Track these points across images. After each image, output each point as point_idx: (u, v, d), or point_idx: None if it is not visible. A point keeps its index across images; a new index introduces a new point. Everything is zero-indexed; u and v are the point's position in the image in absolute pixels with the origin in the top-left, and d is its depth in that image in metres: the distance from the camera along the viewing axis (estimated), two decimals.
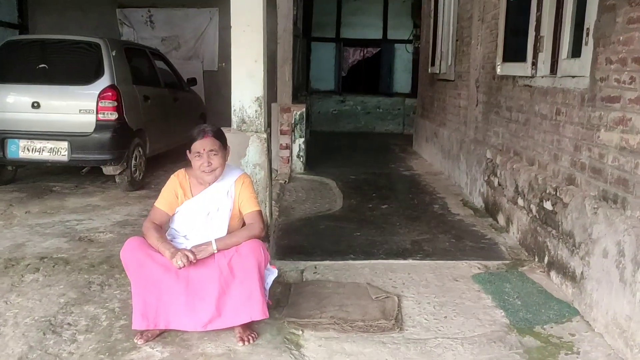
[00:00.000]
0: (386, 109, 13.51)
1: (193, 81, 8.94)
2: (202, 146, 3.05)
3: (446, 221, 5.31)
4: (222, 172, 3.14)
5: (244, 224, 3.22)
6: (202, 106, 9.76)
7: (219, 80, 11.42)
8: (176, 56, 11.35)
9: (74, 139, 6.21)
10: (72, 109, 6.22)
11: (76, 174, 7.22)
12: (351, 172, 8.05)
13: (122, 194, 6.52)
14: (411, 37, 13.31)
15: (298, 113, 7.73)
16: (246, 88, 3.94)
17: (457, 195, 6.39)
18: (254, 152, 3.96)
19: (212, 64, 11.45)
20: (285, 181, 7.14)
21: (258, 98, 3.95)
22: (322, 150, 10.26)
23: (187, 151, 3.13)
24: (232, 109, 3.98)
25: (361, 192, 6.71)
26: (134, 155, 6.64)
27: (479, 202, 5.75)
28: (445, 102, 8.06)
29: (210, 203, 3.13)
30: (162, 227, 3.16)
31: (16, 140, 6.22)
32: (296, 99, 9.74)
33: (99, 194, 6.48)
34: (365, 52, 13.88)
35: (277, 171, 7.73)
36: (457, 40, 7.34)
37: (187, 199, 3.15)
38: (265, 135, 3.97)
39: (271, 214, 4.24)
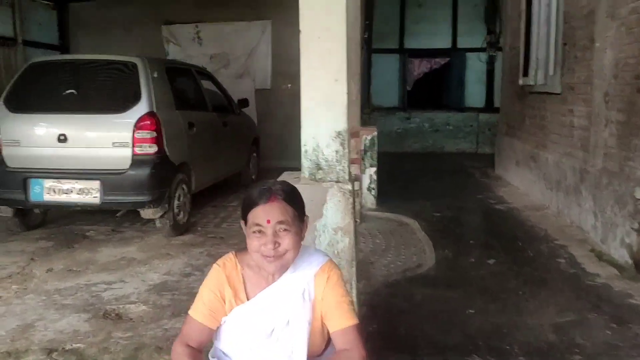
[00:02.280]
0: (457, 126, 12.12)
1: (244, 102, 7.89)
2: (267, 216, 1.85)
3: (586, 288, 3.93)
4: (294, 258, 1.94)
5: (328, 340, 2.02)
6: (254, 130, 8.70)
7: (272, 99, 10.40)
8: (226, 74, 10.38)
9: (107, 178, 5.19)
10: (105, 142, 5.22)
11: (115, 214, 6.23)
12: (432, 206, 6.75)
13: (164, 241, 5.47)
14: (485, 45, 11.91)
15: (369, 138, 6.50)
16: (322, 118, 2.76)
17: (581, 242, 4.98)
18: (335, 211, 2.75)
19: (264, 82, 10.41)
20: (357, 221, 5.90)
21: (340, 133, 2.76)
22: (390, 176, 8.98)
23: (242, 222, 1.96)
24: (303, 149, 2.80)
25: (453, 236, 5.41)
26: (177, 194, 5.58)
27: (622, 256, 4.33)
28: (545, 120, 6.66)
29: (276, 311, 1.93)
30: (202, 351, 1.98)
31: (40, 180, 5.27)
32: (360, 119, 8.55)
33: (136, 242, 5.45)
34: (432, 63, 12.56)
35: None
36: (564, 44, 5.96)
37: (240, 302, 1.96)
38: (349, 187, 2.76)
39: (358, 299, 3.01)
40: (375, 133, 6.53)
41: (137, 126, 5.17)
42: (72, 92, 5.40)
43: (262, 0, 10.15)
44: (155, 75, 5.55)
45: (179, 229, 5.64)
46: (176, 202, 5.57)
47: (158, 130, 5.26)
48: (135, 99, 5.27)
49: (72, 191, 5.25)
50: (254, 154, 8.50)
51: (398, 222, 6.01)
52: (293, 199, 1.92)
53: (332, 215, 2.74)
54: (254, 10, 10.20)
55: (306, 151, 2.78)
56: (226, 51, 10.39)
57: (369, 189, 6.59)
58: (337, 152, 2.75)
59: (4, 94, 5.49)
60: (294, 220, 1.88)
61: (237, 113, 7.82)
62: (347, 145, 2.77)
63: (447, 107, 12.38)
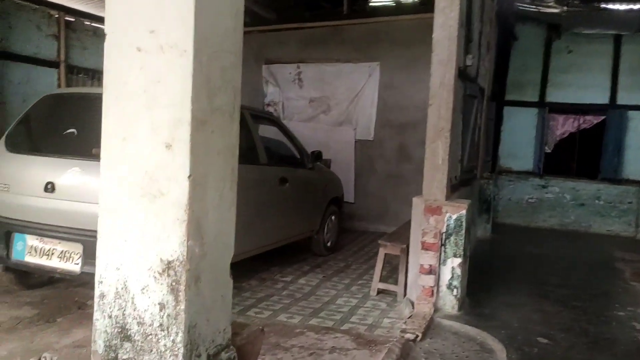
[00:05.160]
0: (610, 202, 9.56)
1: (318, 156, 6.51)
2: None
3: None
4: None
5: None
6: (336, 187, 7.24)
7: (374, 152, 8.97)
8: (325, 121, 9.21)
9: (90, 241, 4.08)
10: (92, 196, 4.13)
11: None
12: (542, 321, 4.75)
13: None
14: None
15: (454, 217, 4.74)
16: (136, 230, 1.27)
17: None
18: None
19: (366, 132, 9.00)
20: (417, 336, 4.15)
21: (171, 264, 1.23)
22: (502, 261, 7.00)
23: None
24: (97, 290, 1.34)
25: None
26: None
27: None
28: None
29: None
30: None
31: (25, 236, 4.34)
32: (466, 184, 6.73)
33: None
34: (581, 121, 10.18)
35: (412, 308, 4.77)
36: None
37: None
38: None
39: None
40: (464, 211, 4.74)
41: None
42: (72, 132, 4.45)
43: (370, 40, 8.87)
44: None
45: None
46: None
47: None
48: None
49: (53, 253, 4.24)
50: (332, 217, 7.04)
51: (478, 346, 4.13)
52: None
53: None
54: (360, 51, 8.93)
55: (102, 295, 1.30)
56: (327, 95, 9.19)
57: (449, 287, 4.78)
58: (162, 306, 1.23)
59: (8, 130, 4.73)
60: None
61: (309, 167, 6.47)
62: (185, 292, 1.23)
63: (597, 176, 9.87)
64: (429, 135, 4.89)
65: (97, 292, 1.34)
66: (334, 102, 9.17)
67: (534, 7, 8.85)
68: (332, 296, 5.35)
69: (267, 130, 6.28)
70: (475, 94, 6.67)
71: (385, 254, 5.50)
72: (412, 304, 4.83)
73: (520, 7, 8.94)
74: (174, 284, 1.23)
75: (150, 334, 1.25)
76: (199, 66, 1.26)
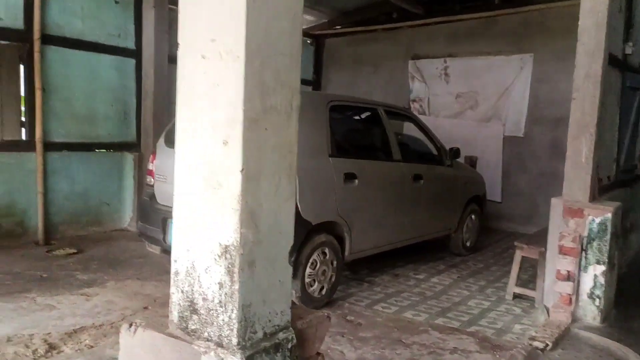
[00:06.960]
0: None
1: (456, 153, 6.36)
2: None
3: None
4: None
5: None
6: (477, 185, 7.00)
7: (524, 149, 8.51)
8: (472, 116, 8.94)
9: None
10: None
11: None
12: None
13: None
14: None
15: (597, 221, 4.35)
16: (199, 215, 1.45)
17: None
18: None
19: (516, 128, 8.55)
20: (547, 345, 3.91)
21: (227, 249, 1.38)
22: None
23: None
24: (172, 267, 1.52)
25: None
26: (310, 261, 4.54)
27: None
28: None
29: None
30: None
31: None
32: (625, 185, 6.11)
33: None
34: None
35: (547, 314, 4.49)
36: None
37: None
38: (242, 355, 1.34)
39: None
40: (610, 214, 4.33)
41: None
42: None
43: (523, 30, 8.40)
44: (309, 116, 4.68)
45: (311, 303, 4.59)
46: (308, 270, 4.54)
47: None
48: None
49: None
50: (472, 216, 6.84)
51: None
52: None
53: None
54: (512, 43, 8.49)
55: (177, 272, 1.47)
56: (475, 90, 8.90)
57: (591, 296, 4.41)
58: (221, 285, 1.37)
59: (168, 127, 5.34)
60: None
61: (447, 164, 6.35)
62: (239, 274, 1.35)
63: None
64: (571, 131, 4.54)
65: (172, 270, 1.54)
66: (482, 97, 8.85)
67: None
68: (464, 297, 5.23)
69: (409, 128, 6.30)
70: (638, 85, 6.00)
71: (523, 257, 5.24)
72: (546, 311, 4.54)
73: None
74: (229, 266, 1.37)
75: (212, 309, 1.41)
76: (251, 70, 1.39)
